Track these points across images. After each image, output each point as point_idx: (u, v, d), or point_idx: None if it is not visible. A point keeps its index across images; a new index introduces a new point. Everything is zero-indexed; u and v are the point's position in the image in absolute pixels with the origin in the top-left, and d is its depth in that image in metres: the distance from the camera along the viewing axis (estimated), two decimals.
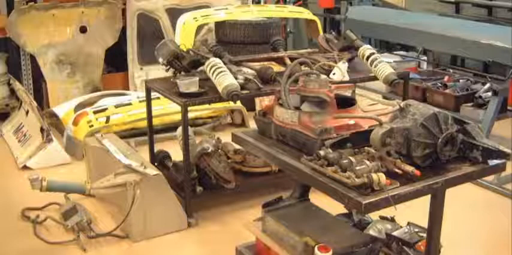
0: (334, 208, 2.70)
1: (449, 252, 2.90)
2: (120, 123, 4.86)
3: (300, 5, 7.17)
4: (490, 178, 4.04)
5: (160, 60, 3.67)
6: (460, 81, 5.07)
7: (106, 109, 4.91)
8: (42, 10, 5.45)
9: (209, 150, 3.65)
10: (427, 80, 5.18)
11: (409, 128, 2.19)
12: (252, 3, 6.61)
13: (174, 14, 5.82)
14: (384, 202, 2.04)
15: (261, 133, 2.72)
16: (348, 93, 2.77)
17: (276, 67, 3.88)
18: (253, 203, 3.74)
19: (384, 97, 5.43)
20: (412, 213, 2.88)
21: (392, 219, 3.01)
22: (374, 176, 2.04)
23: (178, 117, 3.87)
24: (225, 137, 3.86)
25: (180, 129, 3.58)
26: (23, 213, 3.73)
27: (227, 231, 3.56)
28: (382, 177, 2.06)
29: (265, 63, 3.98)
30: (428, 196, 2.25)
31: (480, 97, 4.65)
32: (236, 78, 3.45)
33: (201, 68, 3.67)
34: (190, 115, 4.31)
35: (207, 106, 4.68)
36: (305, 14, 5.72)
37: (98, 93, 5.53)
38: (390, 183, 2.08)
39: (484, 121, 4.27)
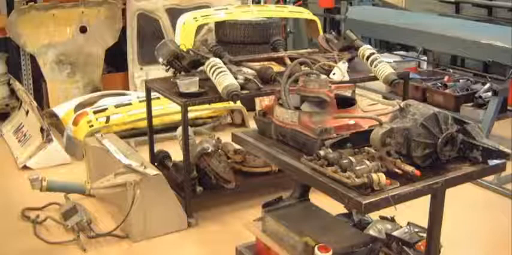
0: (334, 208, 2.70)
1: (449, 252, 2.90)
2: (120, 123, 4.85)
3: (300, 5, 7.17)
4: (490, 178, 4.03)
5: (160, 60, 3.67)
6: (460, 81, 5.07)
7: (106, 109, 4.91)
8: (42, 10, 5.45)
9: (209, 150, 3.65)
10: (427, 80, 5.18)
11: (409, 128, 2.19)
12: (252, 3, 6.61)
13: (174, 14, 5.82)
14: (384, 202, 2.04)
15: (261, 133, 2.72)
16: (348, 93, 2.77)
17: (276, 67, 3.88)
18: (253, 203, 3.74)
19: (384, 97, 5.42)
20: (412, 213, 2.88)
21: (392, 219, 3.01)
22: (374, 176, 2.04)
23: (178, 117, 3.87)
24: (225, 137, 3.85)
25: (180, 129, 3.58)
26: (23, 213, 3.73)
27: (227, 231, 3.56)
28: (382, 177, 2.06)
29: (265, 63, 3.98)
30: (428, 196, 2.25)
31: (480, 97, 4.65)
32: (236, 78, 3.45)
33: (201, 68, 3.67)
34: (190, 115, 4.30)
35: (207, 106, 4.68)
36: (305, 14, 5.72)
37: (98, 93, 5.53)
38: (390, 183, 2.08)
39: (484, 121, 4.27)
